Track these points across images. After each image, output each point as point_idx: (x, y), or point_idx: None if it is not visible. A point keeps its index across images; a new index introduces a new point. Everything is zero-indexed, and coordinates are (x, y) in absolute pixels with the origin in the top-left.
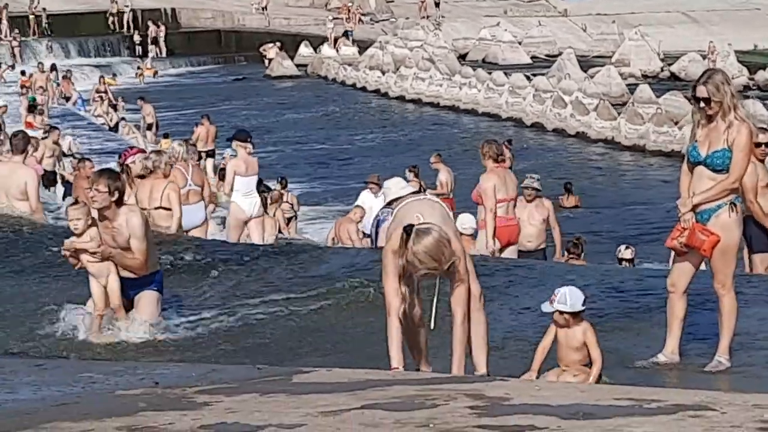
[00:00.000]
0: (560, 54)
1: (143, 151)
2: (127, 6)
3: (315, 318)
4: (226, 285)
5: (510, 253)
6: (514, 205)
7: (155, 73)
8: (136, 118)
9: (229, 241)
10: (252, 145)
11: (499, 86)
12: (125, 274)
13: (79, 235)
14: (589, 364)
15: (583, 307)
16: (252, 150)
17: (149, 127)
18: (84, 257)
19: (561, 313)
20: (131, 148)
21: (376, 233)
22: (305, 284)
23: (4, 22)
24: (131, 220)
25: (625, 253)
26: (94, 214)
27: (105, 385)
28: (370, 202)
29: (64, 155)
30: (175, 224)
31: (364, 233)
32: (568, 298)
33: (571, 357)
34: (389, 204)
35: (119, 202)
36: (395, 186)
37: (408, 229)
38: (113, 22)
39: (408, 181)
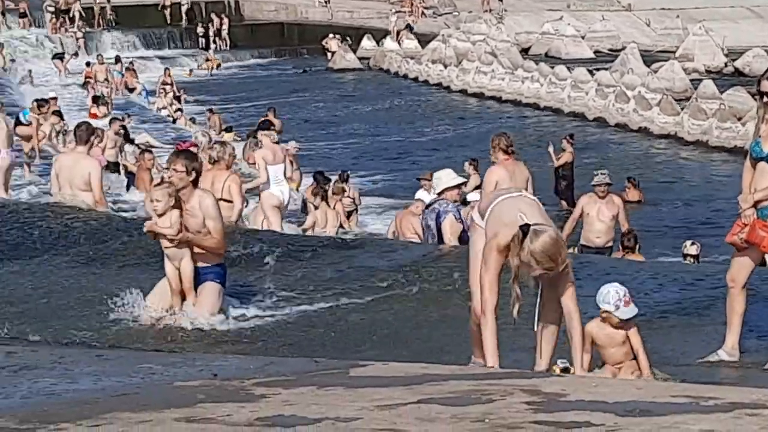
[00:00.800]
0: (623, 48)
1: (196, 146)
2: None
3: (374, 311)
4: (287, 277)
5: None
6: None
7: (218, 65)
8: (197, 110)
9: (274, 228)
10: (276, 133)
11: (561, 80)
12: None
13: (161, 216)
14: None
15: (634, 313)
16: (276, 139)
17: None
18: (162, 239)
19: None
20: (184, 141)
21: (438, 227)
22: (365, 277)
23: (76, 12)
24: (204, 202)
25: (691, 249)
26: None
27: (164, 376)
28: (424, 199)
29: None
30: (235, 215)
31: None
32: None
33: (616, 356)
34: (440, 194)
35: (195, 183)
36: (446, 177)
37: (525, 229)
38: (168, 14)
39: (469, 175)
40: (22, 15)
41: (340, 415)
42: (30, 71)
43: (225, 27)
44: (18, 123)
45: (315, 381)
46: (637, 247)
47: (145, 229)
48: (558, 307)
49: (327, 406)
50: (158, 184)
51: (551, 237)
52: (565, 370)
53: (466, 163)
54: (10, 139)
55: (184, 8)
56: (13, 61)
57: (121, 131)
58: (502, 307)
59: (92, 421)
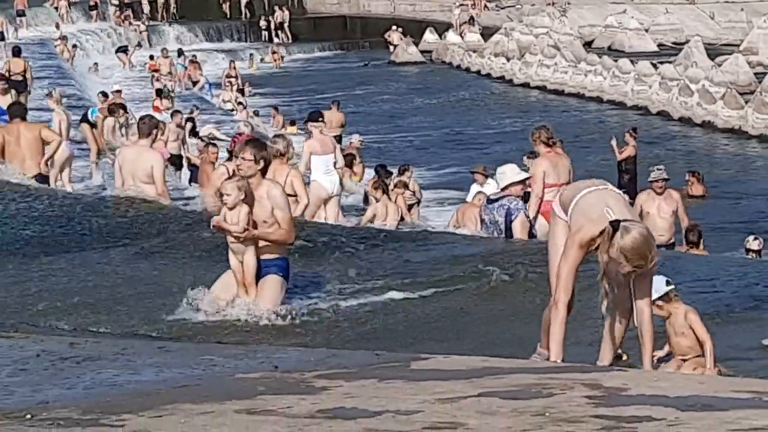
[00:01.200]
0: (687, 42)
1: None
2: None
3: (435, 304)
4: (347, 269)
5: None
6: None
7: (281, 58)
8: (261, 103)
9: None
10: (324, 124)
11: (624, 74)
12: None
13: (230, 209)
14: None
15: (669, 287)
16: (324, 129)
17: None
18: (219, 221)
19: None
20: (240, 134)
21: (508, 224)
22: (426, 269)
23: (145, 4)
24: (271, 191)
25: (753, 243)
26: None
27: (225, 368)
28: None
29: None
30: (300, 210)
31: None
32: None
33: (681, 345)
34: (503, 189)
35: (264, 173)
36: (510, 172)
37: (615, 225)
38: (228, 8)
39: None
40: (92, 8)
41: (401, 408)
42: (95, 64)
43: (287, 20)
44: (85, 120)
45: (376, 374)
46: (701, 242)
47: (212, 225)
48: (629, 303)
49: (388, 399)
50: (229, 177)
51: (642, 234)
52: (617, 358)
53: (525, 157)
54: (68, 132)
55: (243, 1)
56: (74, 46)
57: (183, 123)
58: (580, 299)
59: (154, 412)
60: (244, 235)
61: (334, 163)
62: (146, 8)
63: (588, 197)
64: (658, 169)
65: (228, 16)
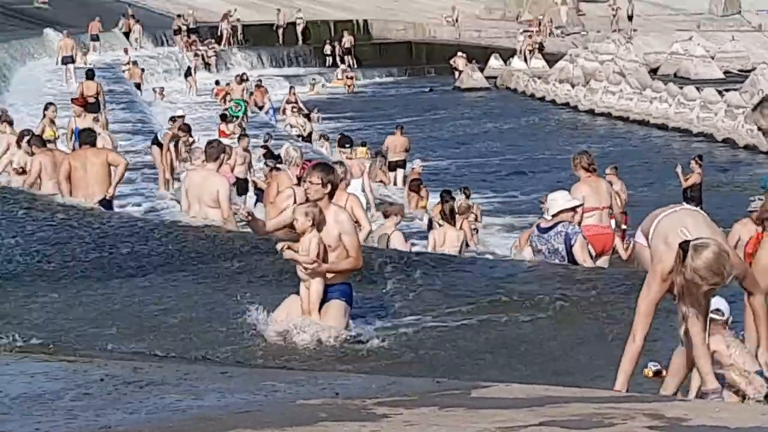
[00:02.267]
0: (753, 69)
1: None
2: (300, 18)
3: (496, 330)
4: (409, 295)
5: (603, 262)
6: (609, 214)
7: (353, 83)
8: (330, 128)
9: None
10: (351, 149)
11: (690, 101)
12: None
13: (301, 234)
14: None
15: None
16: (351, 154)
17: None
18: (289, 254)
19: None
20: (309, 161)
21: (568, 249)
22: (488, 295)
23: (224, 29)
24: (339, 216)
25: None
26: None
27: (287, 393)
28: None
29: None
30: (363, 236)
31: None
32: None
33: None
34: (554, 216)
35: (331, 197)
36: (561, 198)
37: (684, 246)
38: (282, 34)
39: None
40: (176, 32)
41: None
42: (161, 88)
43: (353, 46)
44: (156, 143)
45: (436, 401)
46: None
47: (284, 256)
48: (703, 331)
49: (448, 427)
50: (302, 203)
51: (713, 252)
52: (658, 373)
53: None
54: None
55: (299, 28)
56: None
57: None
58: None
59: None
60: (313, 267)
61: (362, 188)
62: (225, 33)
63: (664, 221)
64: (758, 198)
65: (282, 42)
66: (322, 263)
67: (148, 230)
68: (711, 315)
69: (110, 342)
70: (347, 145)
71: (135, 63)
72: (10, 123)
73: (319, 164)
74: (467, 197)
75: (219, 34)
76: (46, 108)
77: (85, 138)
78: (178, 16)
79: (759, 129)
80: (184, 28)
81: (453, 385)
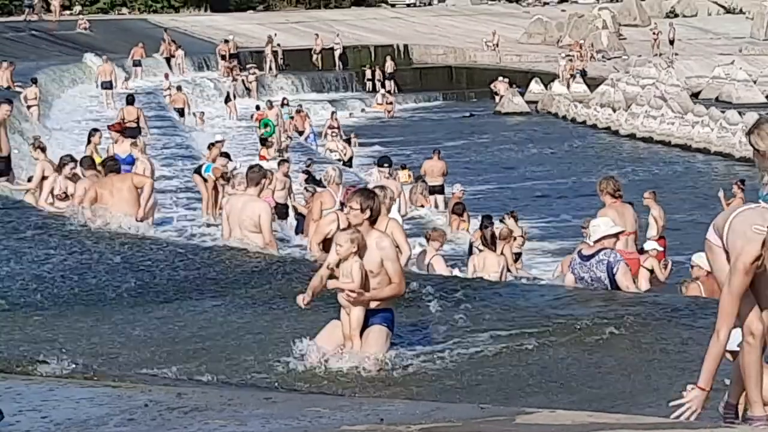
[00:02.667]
0: None
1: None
2: (337, 44)
3: (540, 356)
4: (451, 320)
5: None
6: (635, 240)
7: (392, 108)
8: (368, 153)
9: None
10: (390, 168)
11: (732, 125)
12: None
13: (343, 260)
14: None
15: None
16: (388, 174)
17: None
18: (333, 283)
19: None
20: (352, 186)
21: (611, 277)
22: (530, 321)
23: (267, 54)
24: (381, 242)
25: None
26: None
27: (331, 419)
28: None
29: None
30: (404, 261)
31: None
32: None
33: None
34: (596, 242)
35: (372, 223)
36: (604, 225)
37: None
38: (320, 59)
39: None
40: (223, 57)
41: None
42: (201, 113)
43: (393, 70)
44: (197, 172)
45: (481, 428)
46: None
47: (328, 286)
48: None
49: None
50: (344, 229)
51: None
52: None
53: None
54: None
55: (336, 53)
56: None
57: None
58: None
59: None
60: (355, 297)
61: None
62: (268, 58)
63: (741, 216)
64: None
65: (320, 67)
66: (365, 293)
67: (190, 255)
68: None
69: (153, 367)
70: (386, 165)
71: (178, 88)
72: (43, 149)
73: (360, 190)
74: (515, 221)
75: (263, 59)
76: (91, 135)
77: (110, 167)
78: (225, 41)
79: (756, 150)
80: (225, 53)
81: (497, 411)
